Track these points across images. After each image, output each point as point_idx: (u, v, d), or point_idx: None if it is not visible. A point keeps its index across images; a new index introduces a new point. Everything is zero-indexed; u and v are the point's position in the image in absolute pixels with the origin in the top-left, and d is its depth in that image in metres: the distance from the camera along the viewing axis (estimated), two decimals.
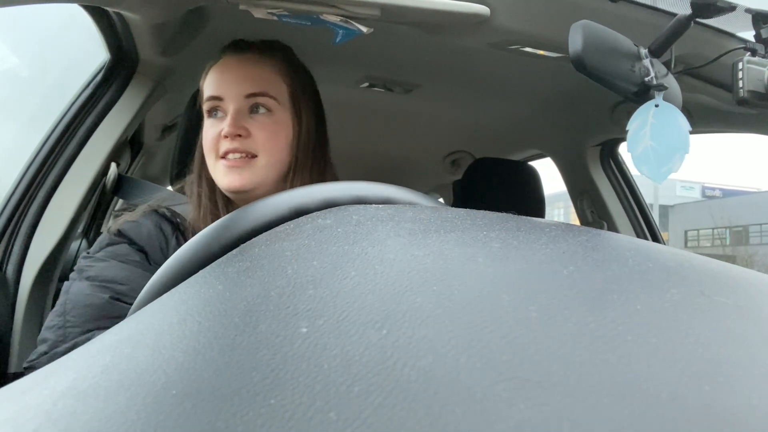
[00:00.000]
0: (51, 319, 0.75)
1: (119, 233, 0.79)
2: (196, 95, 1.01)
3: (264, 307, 0.22)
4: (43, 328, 0.75)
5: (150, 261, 0.78)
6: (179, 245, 0.79)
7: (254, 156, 0.81)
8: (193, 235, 0.84)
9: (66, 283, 0.78)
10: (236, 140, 0.81)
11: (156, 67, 1.11)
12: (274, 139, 0.82)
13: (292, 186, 0.81)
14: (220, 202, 0.85)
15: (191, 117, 1.00)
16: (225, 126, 0.81)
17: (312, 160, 0.87)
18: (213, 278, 0.26)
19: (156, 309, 0.25)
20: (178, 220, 0.82)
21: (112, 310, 0.72)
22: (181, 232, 0.82)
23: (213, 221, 0.87)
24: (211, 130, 0.83)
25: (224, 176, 0.81)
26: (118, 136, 1.12)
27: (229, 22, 1.00)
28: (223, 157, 0.81)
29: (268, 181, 0.82)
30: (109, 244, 0.78)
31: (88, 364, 0.21)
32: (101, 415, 0.17)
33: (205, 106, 0.85)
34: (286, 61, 0.87)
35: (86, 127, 1.09)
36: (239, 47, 0.87)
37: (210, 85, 0.85)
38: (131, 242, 0.78)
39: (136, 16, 0.89)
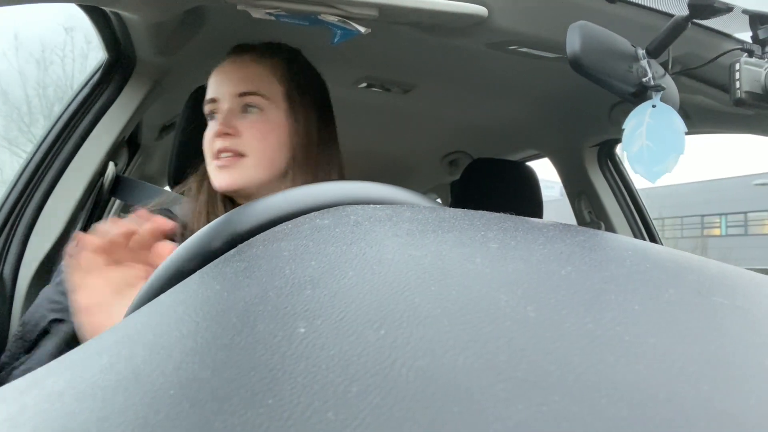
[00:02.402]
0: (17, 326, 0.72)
1: None
2: (195, 95, 1.01)
3: (262, 308, 0.21)
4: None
5: None
6: None
7: (242, 155, 0.81)
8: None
9: None
10: (226, 139, 0.81)
11: (154, 66, 1.11)
12: (263, 138, 0.82)
13: (294, 185, 0.82)
14: (220, 205, 0.85)
15: (189, 117, 1.00)
16: (216, 125, 0.82)
17: (315, 160, 0.87)
18: (210, 278, 0.26)
19: (153, 309, 0.25)
20: (177, 222, 0.81)
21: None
22: (181, 235, 0.81)
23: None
24: (208, 132, 0.85)
25: (215, 176, 0.82)
26: (115, 136, 1.11)
27: (227, 22, 1.00)
28: (216, 156, 0.82)
29: (258, 181, 0.82)
30: None
31: (86, 364, 0.21)
32: (99, 415, 0.17)
33: (205, 110, 0.86)
34: (287, 61, 0.88)
35: (84, 127, 1.09)
36: (240, 50, 0.88)
37: (209, 89, 0.86)
38: None
39: (134, 15, 0.89)
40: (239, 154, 0.81)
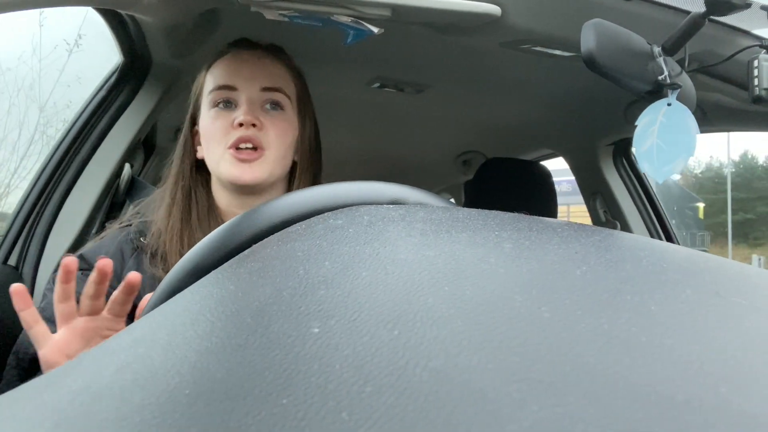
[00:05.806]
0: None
1: (80, 257, 0.76)
2: None
3: (276, 308, 0.22)
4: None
5: None
6: (137, 266, 0.75)
7: (265, 149, 0.80)
8: (156, 253, 0.80)
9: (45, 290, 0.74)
10: (251, 129, 0.78)
11: (169, 69, 1.12)
12: (283, 136, 0.82)
13: (298, 188, 0.81)
14: (195, 213, 0.81)
15: None
16: (240, 114, 0.78)
17: (312, 163, 0.87)
18: (225, 279, 0.26)
19: (169, 309, 0.25)
20: (141, 239, 0.79)
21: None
22: (143, 252, 0.78)
23: (181, 238, 0.83)
24: (219, 120, 0.80)
25: (233, 167, 0.78)
26: (131, 138, 1.13)
27: (240, 24, 1.01)
28: (233, 147, 0.78)
29: (274, 177, 0.82)
30: None
31: (103, 364, 0.21)
32: (116, 414, 0.18)
33: (212, 96, 0.82)
34: (293, 64, 0.88)
35: (100, 129, 1.11)
36: (250, 44, 0.86)
37: (220, 76, 0.82)
38: (84, 269, 0.73)
39: (149, 18, 0.90)
40: (262, 148, 0.79)
